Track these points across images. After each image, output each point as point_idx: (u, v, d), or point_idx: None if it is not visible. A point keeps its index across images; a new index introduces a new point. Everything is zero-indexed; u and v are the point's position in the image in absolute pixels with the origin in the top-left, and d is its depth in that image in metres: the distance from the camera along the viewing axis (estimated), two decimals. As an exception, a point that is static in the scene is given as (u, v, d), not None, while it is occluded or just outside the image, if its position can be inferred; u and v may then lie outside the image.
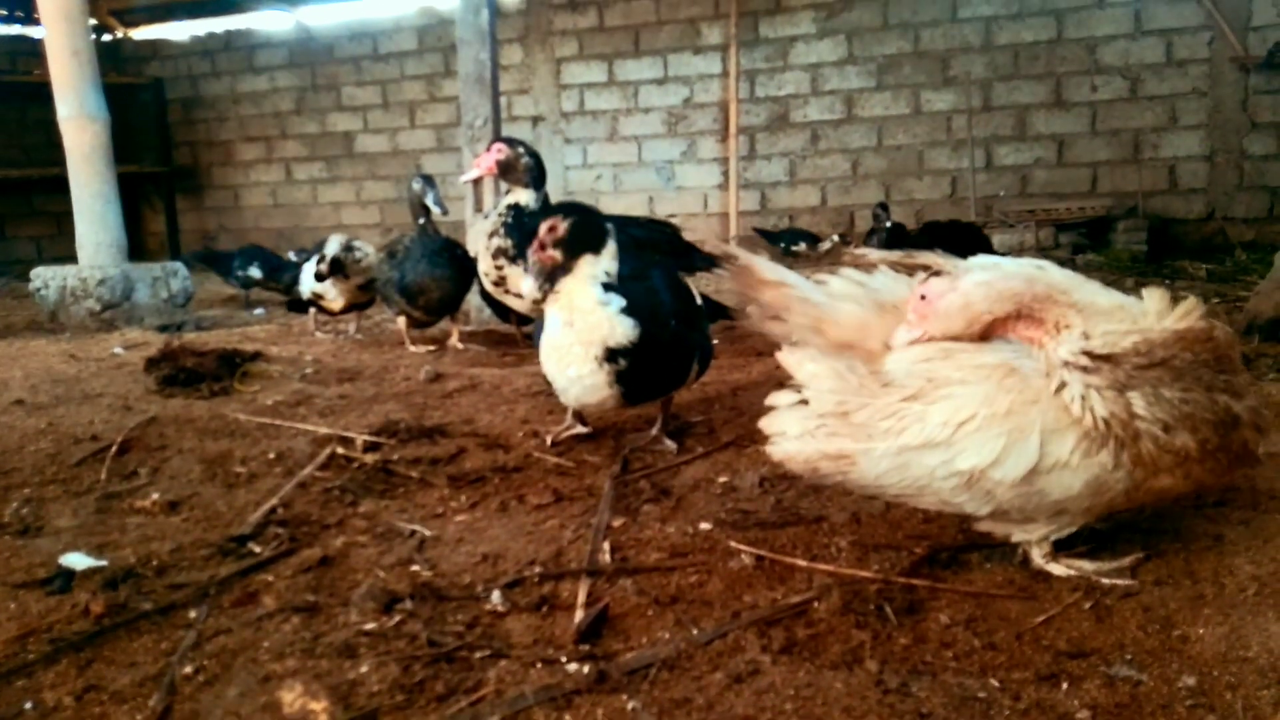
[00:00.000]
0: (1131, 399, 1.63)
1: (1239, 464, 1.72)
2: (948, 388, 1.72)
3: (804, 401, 1.85)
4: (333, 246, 4.64)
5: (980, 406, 1.68)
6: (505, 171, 3.89)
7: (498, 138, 4.07)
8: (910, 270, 1.90)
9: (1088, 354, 1.63)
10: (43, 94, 5.92)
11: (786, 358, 1.91)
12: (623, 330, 2.44)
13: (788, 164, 8.50)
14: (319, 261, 4.65)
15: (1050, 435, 1.65)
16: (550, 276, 2.45)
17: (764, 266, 1.99)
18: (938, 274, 1.80)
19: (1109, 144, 7.63)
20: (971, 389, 1.71)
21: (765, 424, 1.91)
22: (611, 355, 2.45)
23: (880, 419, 1.76)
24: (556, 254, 2.45)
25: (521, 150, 3.90)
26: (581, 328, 2.46)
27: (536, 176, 3.88)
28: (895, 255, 1.93)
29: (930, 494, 1.77)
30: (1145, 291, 1.73)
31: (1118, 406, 1.62)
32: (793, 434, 1.86)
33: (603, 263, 2.47)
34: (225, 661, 1.66)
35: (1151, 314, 1.67)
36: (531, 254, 2.46)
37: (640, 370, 2.48)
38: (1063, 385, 1.64)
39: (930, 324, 1.76)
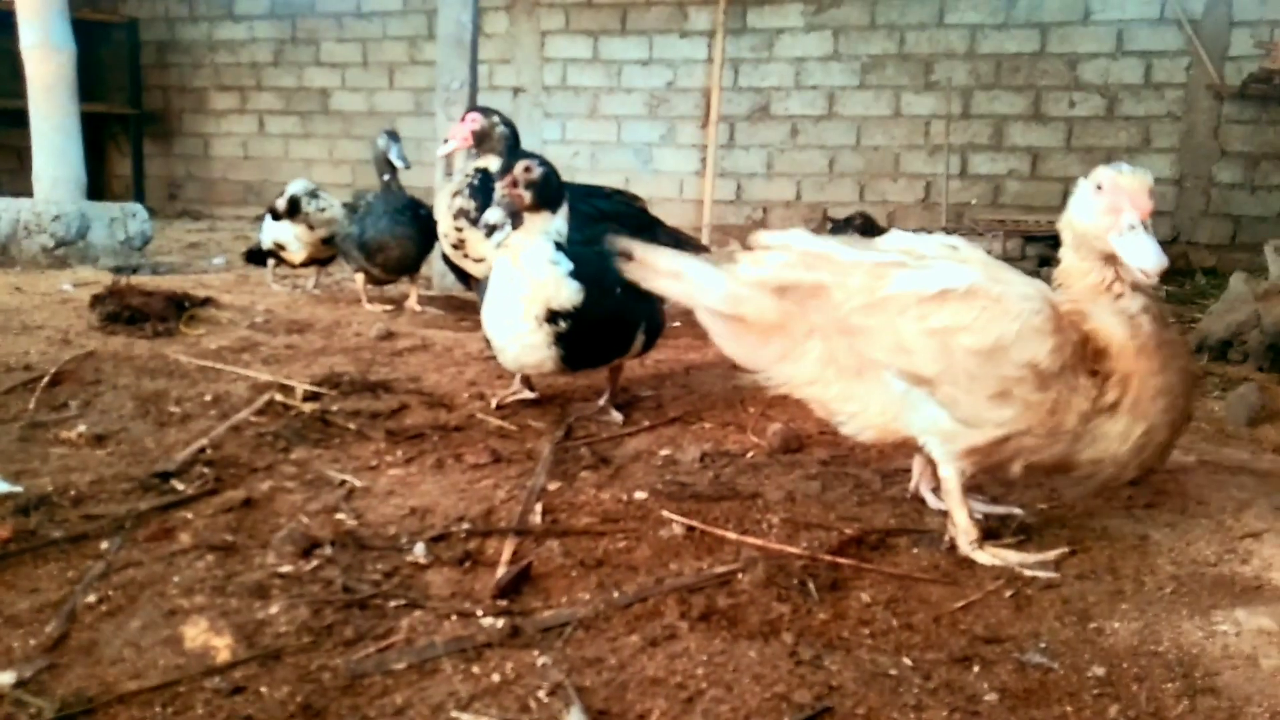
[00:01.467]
0: (1169, 336, 1.73)
1: (1143, 470, 1.77)
2: (940, 262, 1.81)
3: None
4: (296, 186, 4.57)
5: (970, 279, 1.75)
6: (480, 141, 3.82)
7: (473, 107, 4.00)
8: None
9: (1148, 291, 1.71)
10: (8, 22, 5.74)
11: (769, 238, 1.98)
12: (567, 293, 2.41)
13: (766, 155, 8.48)
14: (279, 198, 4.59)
15: (1032, 331, 1.69)
16: (514, 217, 2.41)
17: (662, 259, 2.03)
18: None
19: (1082, 160, 7.68)
20: (966, 269, 1.78)
21: (757, 237, 1.98)
22: (553, 316, 2.42)
23: (867, 264, 1.84)
24: (526, 195, 2.42)
25: (496, 119, 3.83)
26: (525, 285, 2.43)
27: (511, 146, 3.82)
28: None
29: (885, 337, 1.79)
30: None
31: (1150, 336, 1.69)
32: (777, 260, 1.91)
33: (557, 223, 2.44)
34: (132, 594, 1.62)
35: None
36: (501, 187, 2.42)
37: (581, 334, 2.45)
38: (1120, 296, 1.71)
39: None
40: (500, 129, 3.79)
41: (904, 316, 1.77)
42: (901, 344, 1.78)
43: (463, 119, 3.89)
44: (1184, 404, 1.72)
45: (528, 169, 2.43)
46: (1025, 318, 1.70)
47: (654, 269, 2.04)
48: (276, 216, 4.59)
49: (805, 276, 1.86)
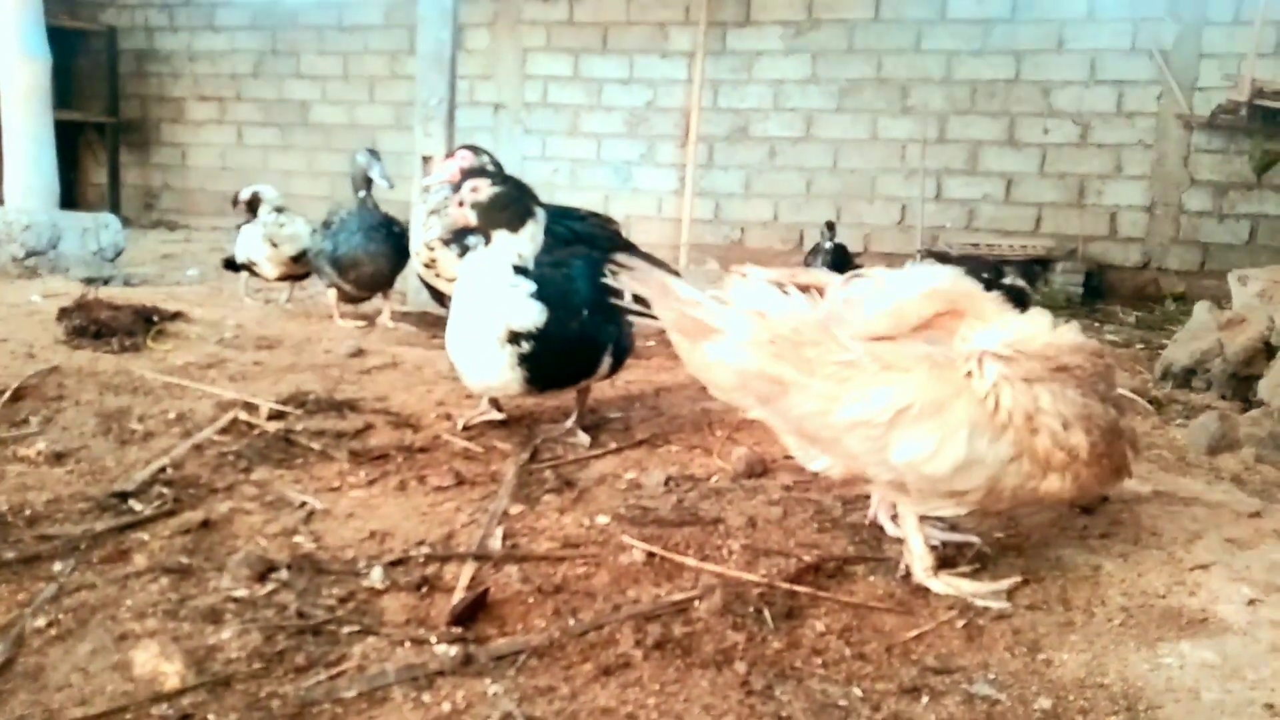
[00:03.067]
0: (1039, 393, 1.69)
1: (1117, 476, 1.78)
2: (889, 372, 1.75)
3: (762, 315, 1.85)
4: (266, 190, 4.65)
5: (918, 394, 1.72)
6: (468, 179, 3.82)
7: (463, 145, 3.99)
8: (804, 289, 1.91)
9: (1009, 346, 1.69)
10: (-17, 29, 5.70)
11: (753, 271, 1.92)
12: (528, 314, 2.42)
13: (744, 176, 8.54)
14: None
15: (975, 430, 1.69)
16: (459, 236, 2.43)
17: (679, 284, 1.99)
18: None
19: (1055, 186, 7.79)
20: (910, 376, 1.74)
21: (714, 317, 1.88)
22: (515, 338, 2.42)
23: (831, 361, 1.77)
24: (470, 215, 2.43)
25: (486, 159, 3.84)
26: (485, 306, 2.43)
27: None
28: (784, 273, 1.95)
29: (841, 449, 1.80)
30: (1030, 311, 1.78)
31: (1026, 399, 1.68)
32: (740, 339, 1.83)
33: (518, 244, 2.45)
34: (82, 617, 1.60)
35: (1044, 327, 1.75)
36: (450, 204, 2.44)
37: (545, 356, 2.45)
38: (976, 371, 1.69)
39: (855, 327, 1.78)
40: (490, 168, 3.80)
41: (856, 438, 1.77)
42: (852, 455, 1.80)
43: (452, 154, 3.90)
44: (1105, 463, 1.74)
45: (474, 189, 2.44)
46: (982, 423, 1.69)
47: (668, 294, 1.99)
48: (235, 203, 4.73)
49: (768, 367, 1.81)
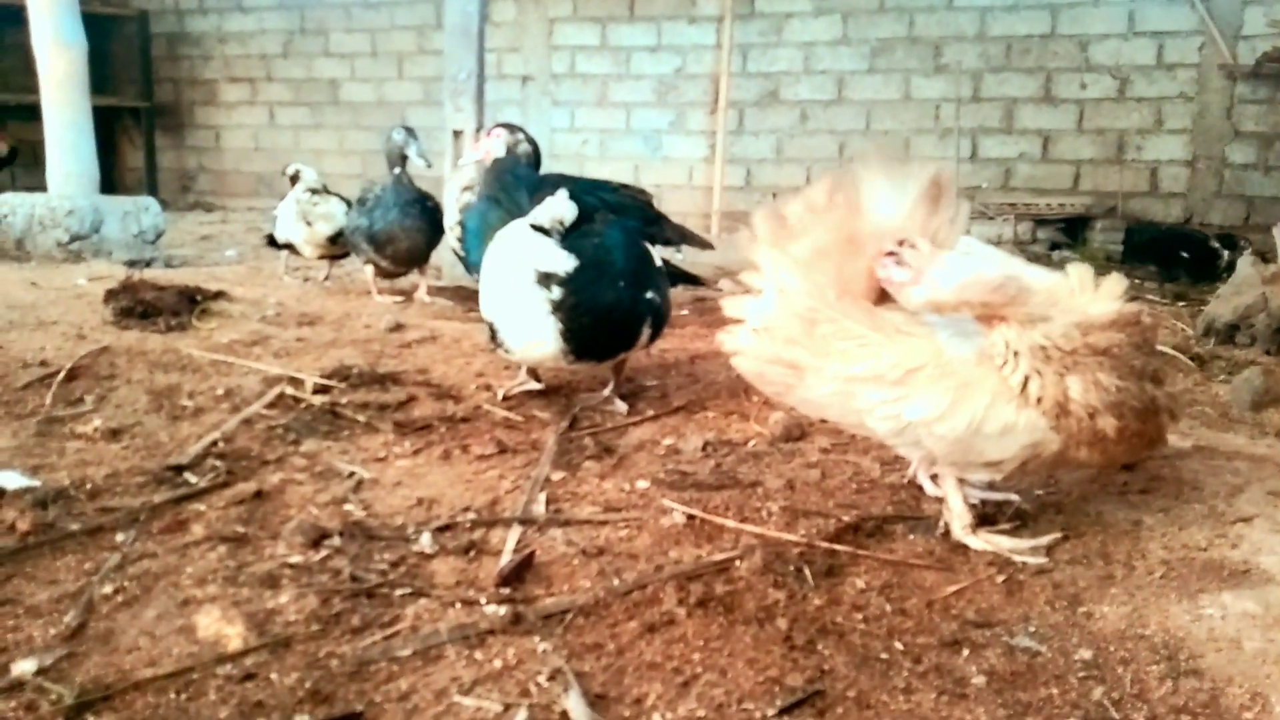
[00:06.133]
0: (1069, 384, 1.67)
1: (1151, 446, 1.78)
2: (905, 333, 1.76)
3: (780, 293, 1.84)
4: (306, 171, 4.79)
5: (932, 358, 1.72)
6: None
7: (498, 123, 4.01)
8: None
9: (1045, 337, 1.67)
10: (20, 17, 5.80)
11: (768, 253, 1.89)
12: (557, 259, 2.47)
13: (775, 141, 8.46)
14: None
15: (999, 397, 1.69)
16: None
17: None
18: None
19: (1094, 143, 7.64)
20: (927, 342, 1.74)
21: (730, 306, 1.91)
22: (545, 280, 2.45)
23: (840, 340, 1.78)
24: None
25: (521, 137, 3.86)
26: (516, 258, 2.50)
27: (533, 163, 3.84)
28: None
29: (865, 430, 1.86)
30: (1069, 268, 1.76)
31: (1055, 390, 1.67)
32: (754, 325, 1.85)
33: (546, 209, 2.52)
34: (146, 584, 1.67)
35: (1080, 290, 1.72)
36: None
37: (581, 307, 2.46)
38: (1008, 364, 1.69)
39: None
40: (524, 146, 3.83)
41: (873, 417, 1.79)
42: (879, 437, 1.85)
43: (489, 133, 3.92)
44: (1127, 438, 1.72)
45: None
46: (1006, 393, 1.69)
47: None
48: (284, 174, 4.94)
49: (784, 353, 1.83)
